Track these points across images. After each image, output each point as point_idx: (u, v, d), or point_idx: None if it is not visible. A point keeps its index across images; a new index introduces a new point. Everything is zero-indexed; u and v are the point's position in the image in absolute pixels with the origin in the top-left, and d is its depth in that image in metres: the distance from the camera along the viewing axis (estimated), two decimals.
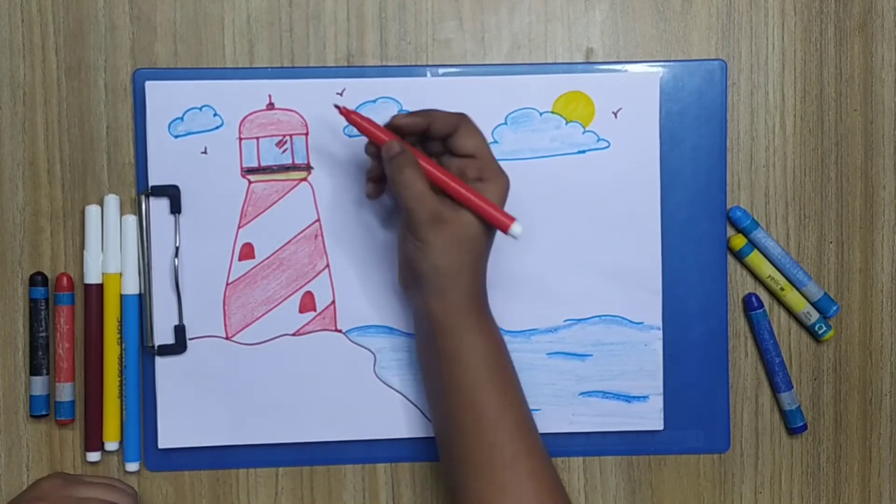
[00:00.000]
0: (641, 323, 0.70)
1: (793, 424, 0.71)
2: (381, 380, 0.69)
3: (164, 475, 0.69)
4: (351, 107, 0.67)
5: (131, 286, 0.67)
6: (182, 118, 0.67)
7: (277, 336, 0.68)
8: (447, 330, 0.60)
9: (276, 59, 0.69)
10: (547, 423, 0.69)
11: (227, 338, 0.68)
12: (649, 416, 0.70)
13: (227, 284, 0.68)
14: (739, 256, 0.70)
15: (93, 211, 0.67)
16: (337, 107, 0.62)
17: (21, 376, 0.68)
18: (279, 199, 0.68)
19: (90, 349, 0.67)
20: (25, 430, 0.68)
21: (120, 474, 0.69)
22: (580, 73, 0.69)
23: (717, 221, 0.70)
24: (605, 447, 0.71)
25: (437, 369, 0.61)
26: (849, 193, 0.72)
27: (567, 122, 0.69)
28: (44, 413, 0.67)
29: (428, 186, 0.59)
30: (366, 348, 0.69)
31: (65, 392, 0.67)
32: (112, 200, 0.67)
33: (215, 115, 0.67)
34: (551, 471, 0.59)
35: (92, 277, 0.67)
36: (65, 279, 0.67)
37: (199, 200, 0.67)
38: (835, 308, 0.71)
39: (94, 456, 0.68)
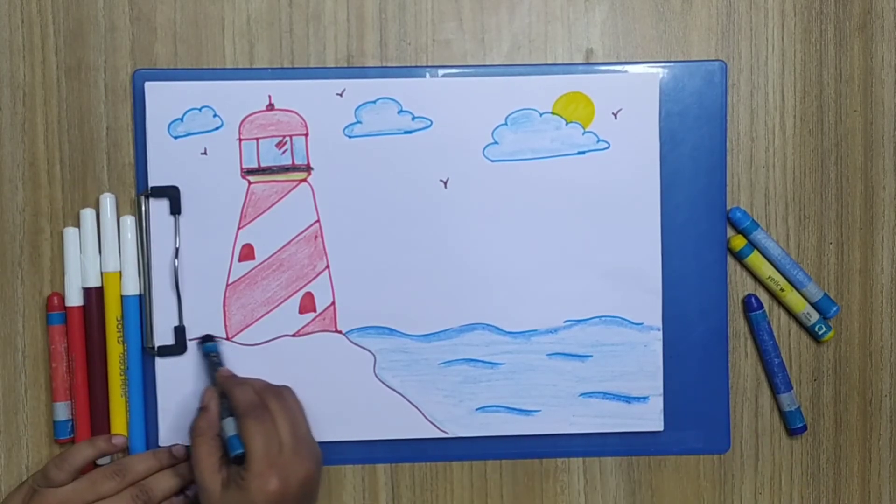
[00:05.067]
0: (641, 324, 0.70)
1: (792, 425, 0.71)
2: (381, 380, 0.69)
3: None
4: (351, 107, 0.68)
5: (131, 287, 0.67)
6: (182, 119, 0.67)
7: (277, 337, 0.68)
8: None
9: (276, 59, 0.69)
10: (547, 424, 0.70)
11: (227, 338, 0.68)
12: (649, 417, 0.70)
13: (227, 285, 0.68)
14: (739, 257, 0.70)
15: (87, 214, 0.67)
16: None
17: (21, 377, 0.68)
18: (279, 199, 0.68)
19: (92, 350, 0.67)
20: (25, 430, 0.68)
21: None
22: (580, 74, 0.69)
23: (717, 222, 0.70)
24: (606, 448, 0.71)
25: None
26: (849, 194, 0.72)
27: (567, 123, 0.69)
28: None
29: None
30: (366, 349, 0.69)
31: (60, 411, 0.67)
32: (108, 199, 0.67)
33: (215, 115, 0.67)
34: None
35: (90, 281, 0.67)
36: (55, 299, 0.67)
37: (199, 201, 0.67)
38: (835, 309, 0.71)
39: (103, 459, 0.67)
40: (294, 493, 0.60)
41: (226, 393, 0.64)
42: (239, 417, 0.62)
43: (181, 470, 0.66)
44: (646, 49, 0.70)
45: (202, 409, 0.64)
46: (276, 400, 0.63)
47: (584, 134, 0.69)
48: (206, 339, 0.68)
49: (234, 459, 0.61)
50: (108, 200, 0.67)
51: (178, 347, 0.68)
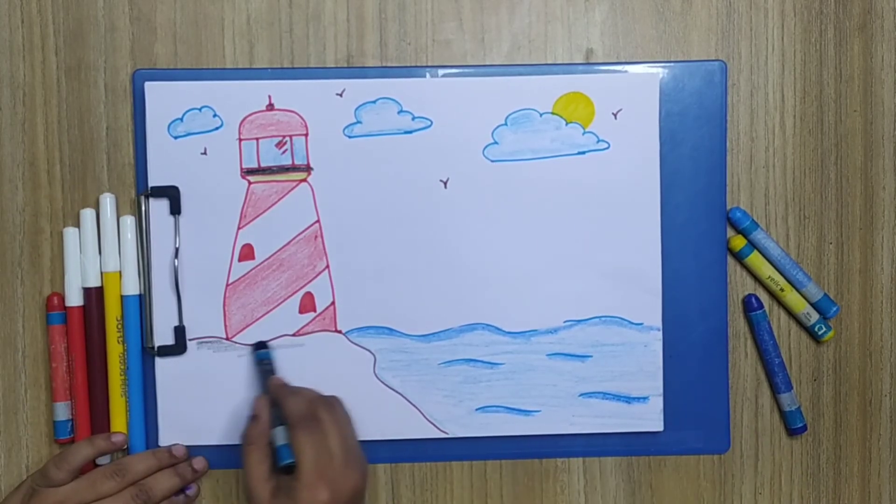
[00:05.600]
0: (641, 324, 0.70)
1: (792, 425, 0.71)
2: (381, 381, 0.69)
3: None
4: (351, 107, 0.68)
5: (131, 287, 0.67)
6: (182, 119, 0.67)
7: (277, 336, 0.68)
8: None
9: (276, 59, 0.69)
10: (547, 424, 0.70)
11: (227, 338, 0.68)
12: (649, 417, 0.70)
13: (227, 285, 0.68)
14: (739, 257, 0.70)
15: (87, 214, 0.67)
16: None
17: (21, 377, 0.68)
18: (279, 199, 0.68)
19: (92, 350, 0.67)
20: (25, 430, 0.68)
21: None
22: (580, 74, 0.69)
23: (716, 222, 0.70)
24: (606, 448, 0.71)
25: None
26: (849, 194, 0.72)
27: (567, 123, 0.69)
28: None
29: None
30: (366, 349, 0.69)
31: (60, 411, 0.67)
32: (108, 199, 0.67)
33: (215, 115, 0.67)
34: None
35: (90, 281, 0.67)
36: (55, 299, 0.67)
37: (199, 201, 0.67)
38: (834, 309, 0.71)
39: (102, 459, 0.67)
40: None
41: (278, 402, 0.64)
42: (291, 427, 0.62)
43: (181, 469, 0.66)
44: (646, 49, 0.70)
45: (253, 418, 0.64)
46: (327, 411, 0.63)
47: (584, 134, 0.69)
48: (259, 346, 0.68)
49: (284, 469, 0.61)
50: (108, 200, 0.67)
51: (178, 347, 0.68)
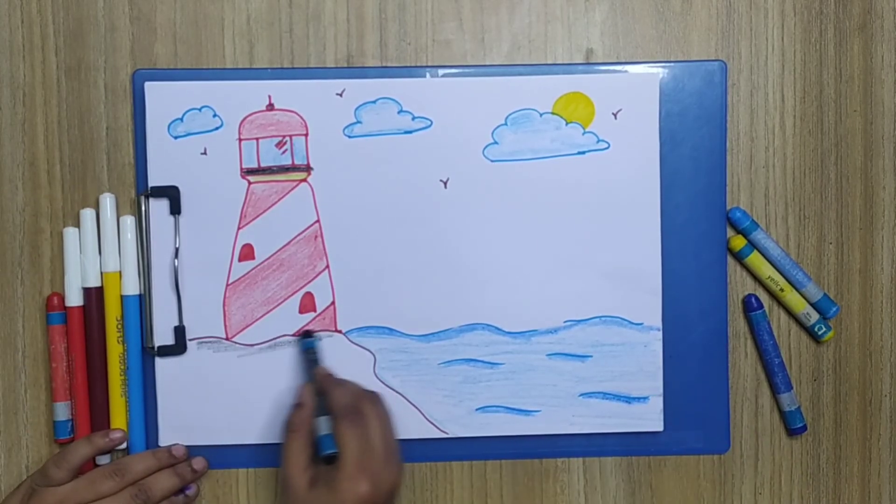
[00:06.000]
0: (641, 324, 0.70)
1: (792, 425, 0.71)
2: (381, 380, 0.69)
3: None
4: (351, 107, 0.68)
5: (131, 287, 0.67)
6: (182, 119, 0.67)
7: (277, 337, 0.68)
8: None
9: (276, 59, 0.69)
10: (547, 424, 0.70)
11: (227, 338, 0.68)
12: (649, 417, 0.70)
13: (227, 285, 0.68)
14: (739, 257, 0.70)
15: (87, 214, 0.67)
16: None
17: (21, 377, 0.68)
18: (279, 199, 0.68)
19: (92, 350, 0.67)
20: (25, 430, 0.68)
21: None
22: (580, 74, 0.69)
23: (716, 222, 0.70)
24: (605, 448, 0.71)
25: None
26: (848, 194, 0.72)
27: (567, 123, 0.69)
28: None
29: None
30: (366, 349, 0.69)
31: (60, 411, 0.67)
32: (108, 199, 0.67)
33: (215, 115, 0.67)
34: None
35: (90, 281, 0.67)
36: (55, 299, 0.67)
37: (199, 201, 0.67)
38: (834, 309, 0.71)
39: (102, 458, 0.67)
40: (382, 501, 0.60)
41: (323, 392, 0.64)
42: (335, 418, 0.62)
43: (180, 469, 0.66)
44: (646, 49, 0.70)
45: (297, 405, 0.64)
46: (371, 405, 0.63)
47: (584, 134, 0.69)
48: (306, 335, 0.68)
49: (325, 459, 0.61)
50: (107, 200, 0.67)
51: (178, 347, 0.68)
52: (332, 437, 0.61)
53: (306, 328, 0.68)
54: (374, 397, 0.65)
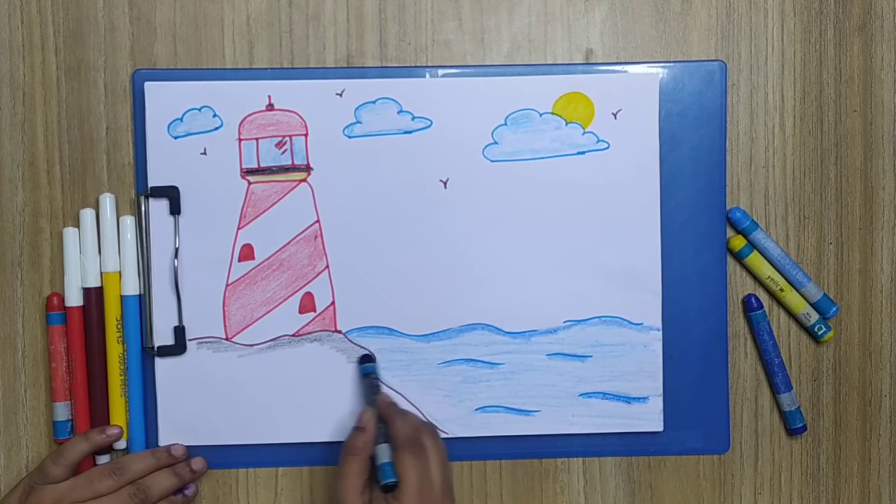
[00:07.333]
0: (641, 324, 0.70)
1: (792, 425, 0.71)
2: (381, 381, 0.69)
3: None
4: (351, 107, 0.68)
5: (131, 287, 0.67)
6: (181, 119, 0.67)
7: (277, 337, 0.69)
8: None
9: (276, 59, 0.69)
10: (547, 424, 0.70)
11: (226, 338, 0.68)
12: (649, 418, 0.70)
13: (227, 285, 0.68)
14: (739, 257, 0.70)
15: (87, 214, 0.67)
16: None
17: (21, 377, 0.68)
18: (279, 200, 0.68)
19: (91, 350, 0.67)
20: (25, 430, 0.68)
21: None
22: (580, 74, 0.69)
23: (716, 222, 0.70)
24: (605, 448, 0.71)
25: None
26: (848, 194, 0.72)
27: (567, 123, 0.69)
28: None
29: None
30: (366, 349, 0.69)
31: (60, 411, 0.67)
32: (108, 199, 0.67)
33: (215, 115, 0.67)
34: None
35: (90, 281, 0.67)
36: (55, 299, 0.67)
37: (199, 201, 0.68)
38: (834, 309, 0.71)
39: (102, 458, 0.67)
40: None
41: (385, 420, 0.64)
42: (397, 448, 0.62)
43: (179, 469, 0.66)
44: (645, 49, 0.70)
45: (359, 429, 0.64)
46: (430, 438, 0.63)
47: (583, 134, 0.69)
48: (365, 360, 0.68)
49: (385, 487, 0.61)
50: (107, 200, 0.67)
51: (178, 347, 0.68)
52: (392, 465, 0.62)
53: (365, 353, 0.68)
54: (432, 430, 0.65)
